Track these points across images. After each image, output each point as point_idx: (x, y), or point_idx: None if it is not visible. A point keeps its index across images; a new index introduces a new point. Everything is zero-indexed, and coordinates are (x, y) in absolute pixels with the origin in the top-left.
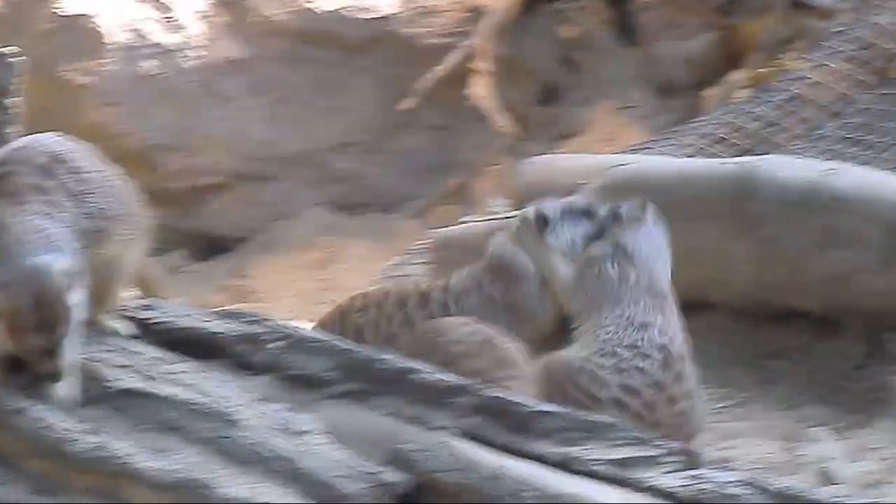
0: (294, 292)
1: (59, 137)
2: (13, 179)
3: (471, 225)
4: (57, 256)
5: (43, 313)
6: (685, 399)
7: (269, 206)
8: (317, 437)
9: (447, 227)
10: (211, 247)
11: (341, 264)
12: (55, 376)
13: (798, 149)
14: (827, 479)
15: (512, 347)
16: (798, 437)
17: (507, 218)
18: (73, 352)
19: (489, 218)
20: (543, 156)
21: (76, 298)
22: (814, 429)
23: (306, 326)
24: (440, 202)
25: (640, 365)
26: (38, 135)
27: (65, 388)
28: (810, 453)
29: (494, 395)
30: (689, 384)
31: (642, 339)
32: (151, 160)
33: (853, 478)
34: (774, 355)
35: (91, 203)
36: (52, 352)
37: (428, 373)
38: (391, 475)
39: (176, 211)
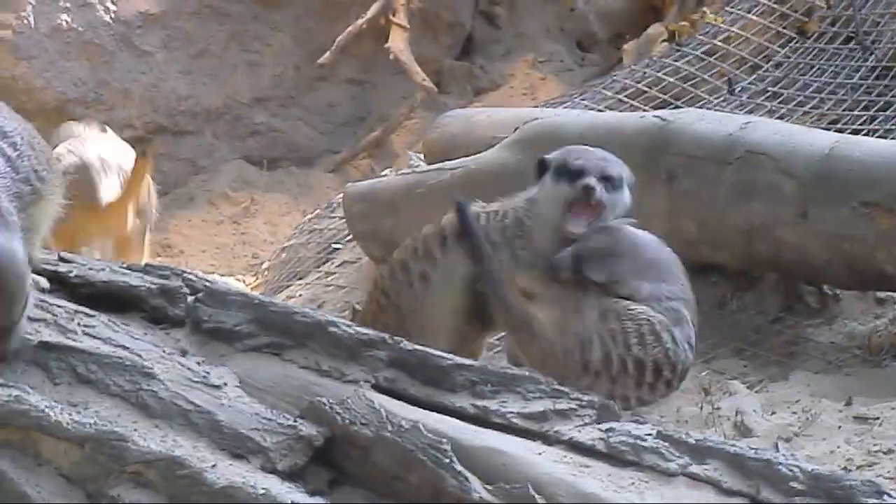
0: (212, 246)
1: None
2: None
3: (385, 179)
4: (16, 237)
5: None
6: None
7: (186, 160)
8: (233, 390)
9: (362, 181)
10: None
11: (258, 218)
12: (12, 356)
13: (716, 103)
14: (743, 431)
15: None
16: (713, 390)
17: (424, 172)
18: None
19: (405, 172)
20: (461, 110)
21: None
22: (730, 382)
23: (223, 279)
24: (357, 156)
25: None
26: None
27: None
28: (726, 406)
29: (410, 348)
30: None
31: None
32: (68, 114)
33: (769, 430)
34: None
35: (25, 166)
36: (7, 330)
37: (344, 326)
38: (307, 427)
39: None
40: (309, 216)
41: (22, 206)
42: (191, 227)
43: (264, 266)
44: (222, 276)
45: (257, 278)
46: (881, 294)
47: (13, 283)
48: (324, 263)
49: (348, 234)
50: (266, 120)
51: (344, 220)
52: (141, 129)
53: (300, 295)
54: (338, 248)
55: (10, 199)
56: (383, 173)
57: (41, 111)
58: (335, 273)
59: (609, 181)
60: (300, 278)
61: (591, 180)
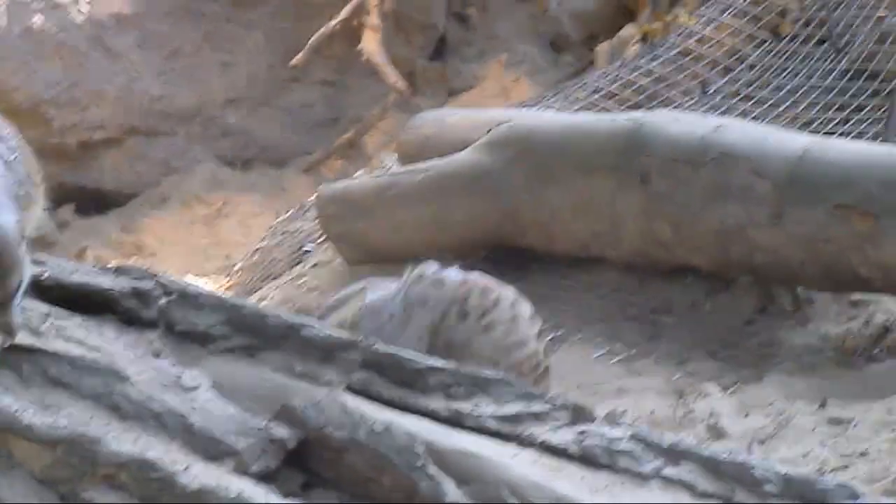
0: (184, 247)
1: None
2: None
3: (358, 181)
4: (8, 213)
5: None
6: None
7: (159, 161)
8: (206, 393)
9: (336, 182)
10: (101, 202)
11: (231, 219)
12: (8, 330)
13: (689, 105)
14: (717, 434)
15: None
16: (687, 392)
17: (397, 173)
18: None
19: (378, 174)
20: (434, 111)
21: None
22: (703, 384)
23: (195, 282)
24: (331, 157)
25: None
26: None
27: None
28: (700, 409)
29: (384, 350)
30: None
31: None
32: (41, 115)
33: (743, 433)
34: (664, 311)
35: (18, 169)
36: (3, 304)
37: (316, 328)
38: (280, 430)
39: (66, 166)
40: (282, 217)
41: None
42: (164, 228)
43: (236, 267)
44: (195, 277)
45: (230, 280)
46: (855, 296)
47: (6, 255)
48: (296, 265)
49: (321, 236)
50: (239, 121)
51: (317, 222)
52: (114, 130)
53: (272, 297)
54: (310, 250)
55: (11, 200)
56: (356, 175)
57: (14, 112)
58: (308, 275)
59: None
60: (273, 279)
61: None
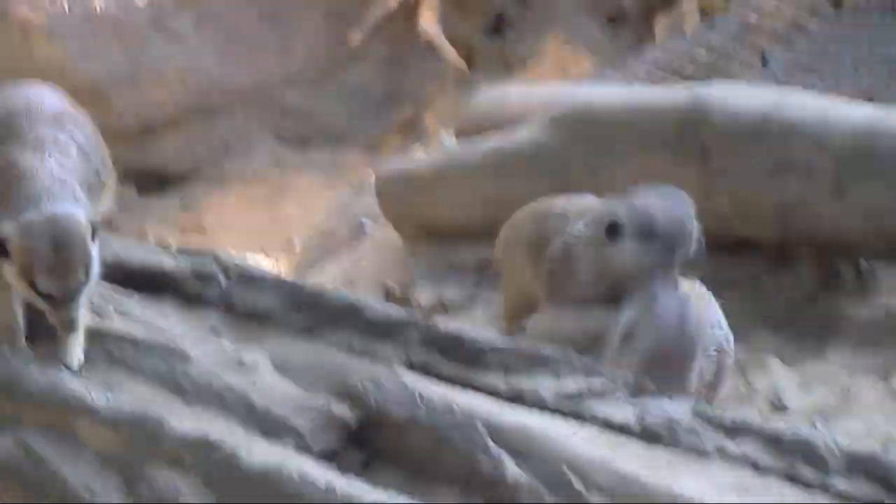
0: (244, 226)
1: (51, 88)
2: (35, 129)
3: (416, 159)
4: (80, 208)
5: (65, 256)
6: None
7: (218, 141)
8: (266, 372)
9: (394, 160)
10: (161, 182)
11: (290, 198)
12: (71, 325)
13: (750, 77)
14: (779, 409)
15: None
16: (750, 367)
17: (455, 152)
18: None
19: (436, 152)
20: (492, 88)
21: (95, 251)
22: (766, 359)
23: (255, 261)
24: (390, 135)
25: None
26: (31, 84)
27: (74, 351)
28: (762, 384)
29: (443, 328)
30: None
31: None
32: (101, 97)
33: (804, 408)
34: (726, 286)
35: (94, 158)
36: (70, 299)
37: (375, 306)
38: (341, 409)
39: (126, 147)
40: (341, 196)
41: (91, 198)
42: (223, 208)
43: (296, 246)
44: (255, 255)
45: (290, 259)
46: None
47: (73, 248)
48: (355, 243)
49: (380, 213)
50: (298, 100)
51: (375, 200)
52: (174, 110)
53: (332, 275)
54: (369, 227)
55: (83, 187)
56: (414, 152)
57: (75, 94)
58: (366, 253)
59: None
60: (332, 258)
61: (689, 248)
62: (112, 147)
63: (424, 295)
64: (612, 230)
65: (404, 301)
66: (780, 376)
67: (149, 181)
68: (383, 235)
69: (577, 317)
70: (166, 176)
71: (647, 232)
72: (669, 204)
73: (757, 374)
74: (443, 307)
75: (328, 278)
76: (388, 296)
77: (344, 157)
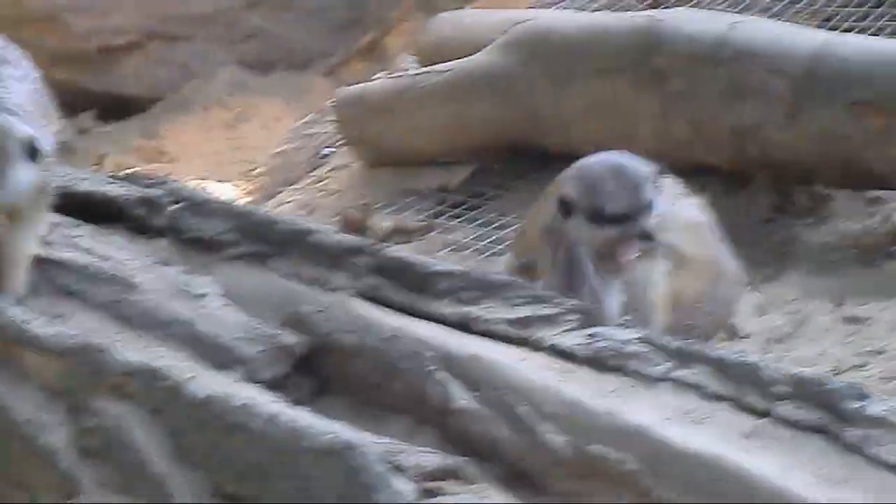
0: (205, 152)
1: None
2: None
3: (376, 83)
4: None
5: None
6: None
7: (179, 65)
8: (214, 300)
9: (354, 85)
10: (121, 108)
11: (252, 124)
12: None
13: (708, 3)
14: (733, 334)
15: None
16: None
17: (415, 75)
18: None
19: (396, 76)
20: (453, 12)
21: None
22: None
23: (216, 187)
24: (352, 60)
25: None
26: None
27: (16, 279)
28: None
29: (394, 254)
30: None
31: None
32: (60, 21)
33: (760, 332)
34: None
35: (35, 96)
36: None
37: (326, 233)
38: (288, 337)
39: (85, 72)
40: (302, 121)
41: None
42: (184, 133)
43: (257, 172)
44: (216, 182)
45: (250, 184)
46: (874, 193)
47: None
48: (315, 169)
49: (340, 139)
50: (260, 23)
51: (335, 125)
52: (134, 35)
53: (292, 201)
54: (329, 153)
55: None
56: (375, 77)
57: (33, 20)
58: (327, 178)
59: (649, 207)
60: (292, 184)
61: (640, 222)
62: (70, 72)
63: (382, 221)
64: (564, 208)
65: (362, 227)
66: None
67: (108, 107)
68: (343, 160)
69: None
70: (126, 101)
71: (597, 215)
72: (620, 182)
73: None
74: (401, 233)
75: (288, 205)
76: (347, 222)
77: (307, 82)
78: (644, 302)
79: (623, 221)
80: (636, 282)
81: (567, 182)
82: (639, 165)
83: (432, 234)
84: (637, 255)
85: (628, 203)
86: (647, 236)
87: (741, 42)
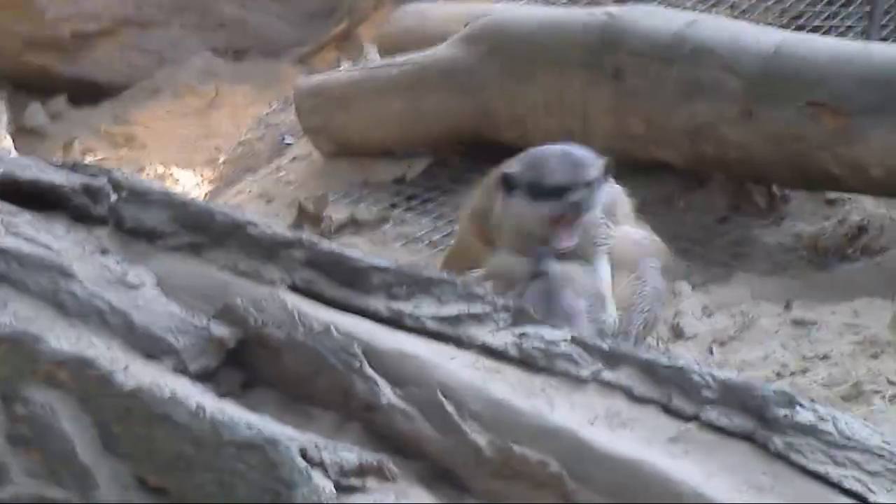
0: (175, 138)
1: None
2: None
3: (336, 74)
4: None
5: None
6: None
7: (152, 52)
8: (150, 291)
9: (318, 75)
10: (93, 93)
11: (223, 111)
12: None
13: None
14: (679, 335)
15: None
16: None
17: (373, 67)
18: None
19: (357, 67)
20: (416, 4)
21: None
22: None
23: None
24: (325, 49)
25: None
26: None
27: None
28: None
29: (327, 248)
30: None
31: None
32: (33, 6)
33: (704, 334)
34: (637, 208)
35: None
36: None
37: (262, 226)
38: (220, 329)
39: (58, 57)
40: (268, 110)
41: None
42: (155, 119)
43: (221, 160)
44: (182, 169)
45: (215, 172)
46: (832, 195)
47: None
48: (276, 158)
49: (301, 129)
50: (233, 11)
51: (296, 115)
52: (107, 21)
53: (251, 190)
54: (289, 143)
55: None
56: (341, 67)
57: (6, 4)
58: (286, 168)
59: (588, 186)
60: (253, 173)
61: (577, 196)
62: (44, 57)
63: (337, 212)
64: (506, 184)
65: (316, 218)
66: (684, 301)
67: (81, 92)
68: (303, 150)
69: (509, 262)
70: (98, 87)
71: (536, 187)
72: (561, 160)
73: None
74: (355, 224)
75: (247, 194)
76: (302, 212)
77: (278, 70)
78: (598, 296)
79: (561, 195)
80: (593, 276)
81: (510, 162)
82: (585, 153)
83: (387, 226)
84: (574, 239)
85: (568, 178)
86: (578, 207)
87: (698, 40)
